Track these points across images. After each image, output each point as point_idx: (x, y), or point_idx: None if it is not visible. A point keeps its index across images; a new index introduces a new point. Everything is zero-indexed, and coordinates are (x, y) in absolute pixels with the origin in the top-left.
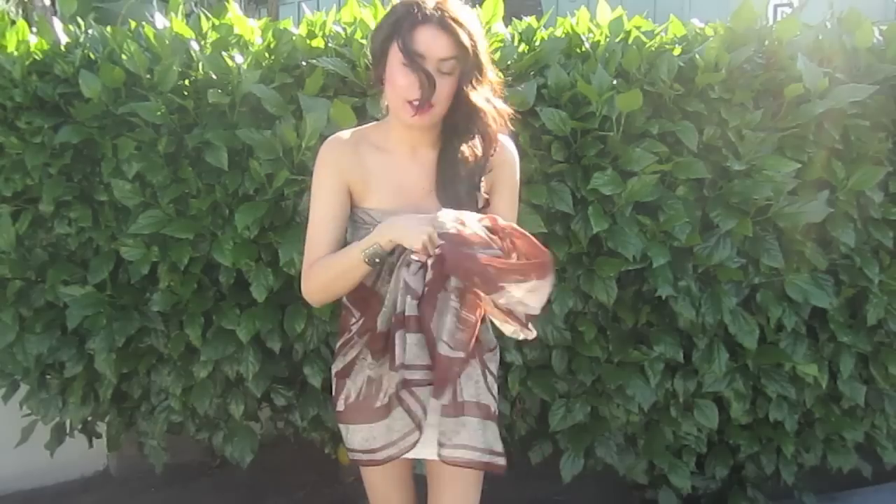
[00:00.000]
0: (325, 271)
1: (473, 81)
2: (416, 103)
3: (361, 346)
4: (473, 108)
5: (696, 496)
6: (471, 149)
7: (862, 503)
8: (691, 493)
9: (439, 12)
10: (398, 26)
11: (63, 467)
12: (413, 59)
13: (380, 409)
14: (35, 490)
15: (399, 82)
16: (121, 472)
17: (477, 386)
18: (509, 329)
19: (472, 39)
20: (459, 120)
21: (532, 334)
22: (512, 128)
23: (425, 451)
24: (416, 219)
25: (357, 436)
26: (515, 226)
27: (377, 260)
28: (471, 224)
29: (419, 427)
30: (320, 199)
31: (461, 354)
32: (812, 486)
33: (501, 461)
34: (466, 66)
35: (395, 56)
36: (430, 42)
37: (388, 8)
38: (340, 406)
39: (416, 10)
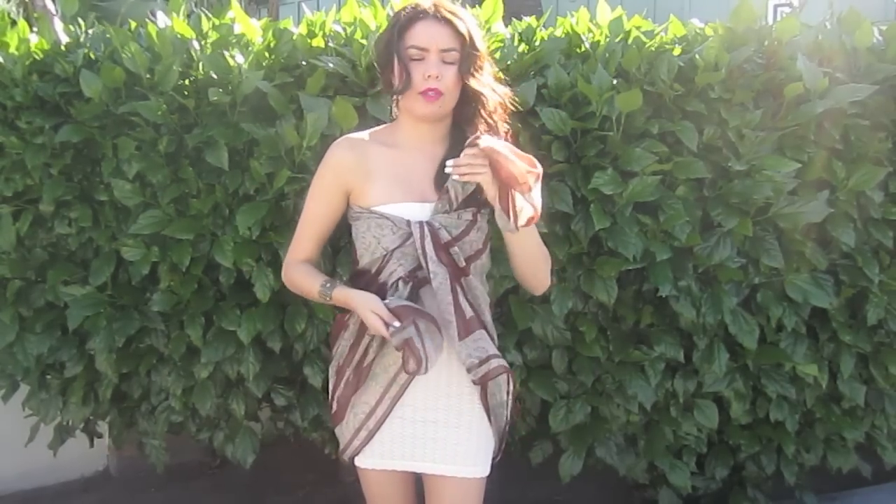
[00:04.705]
0: (297, 281)
1: (473, 69)
2: (430, 93)
3: (354, 339)
4: (475, 95)
5: (696, 496)
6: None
7: (862, 503)
8: (692, 493)
9: (434, 6)
10: (399, 28)
11: (63, 467)
12: (418, 52)
13: (363, 368)
14: (36, 490)
15: (411, 78)
16: (121, 472)
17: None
18: (503, 221)
19: (468, 29)
20: (465, 111)
21: (516, 230)
22: (514, 108)
23: (424, 465)
24: (366, 306)
25: (350, 422)
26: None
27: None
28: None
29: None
30: (314, 198)
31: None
32: (812, 486)
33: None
34: (465, 54)
35: (403, 51)
36: (430, 35)
37: (389, 17)
38: (334, 406)
39: (412, 10)
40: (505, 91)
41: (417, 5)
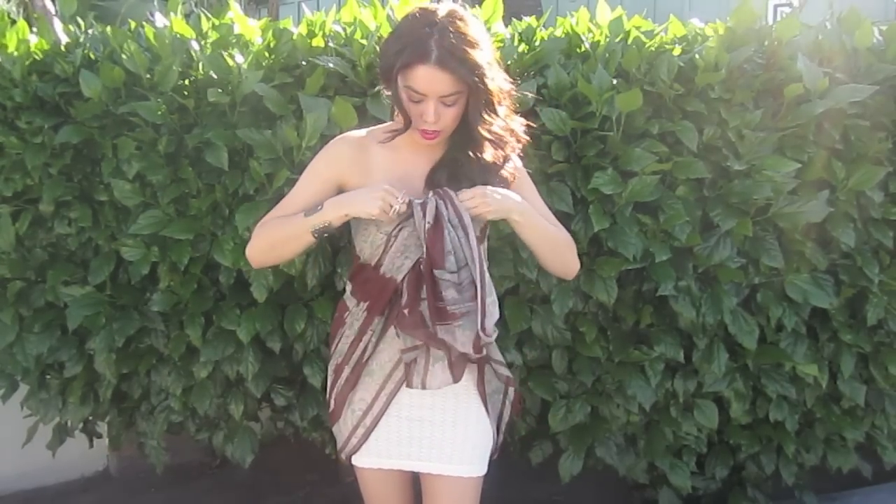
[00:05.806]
0: (273, 231)
1: (483, 113)
2: (428, 132)
3: (355, 336)
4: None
5: (696, 496)
6: (475, 154)
7: (862, 503)
8: (691, 493)
9: (439, 48)
10: (401, 66)
11: (63, 467)
12: (417, 95)
13: (360, 365)
14: (36, 490)
15: (410, 114)
16: (121, 472)
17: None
18: None
19: (475, 71)
20: (465, 133)
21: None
22: (523, 141)
23: (420, 464)
24: (366, 189)
25: (348, 420)
26: None
27: (325, 234)
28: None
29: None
30: (305, 181)
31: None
32: (812, 486)
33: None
34: (473, 96)
35: (402, 89)
36: (429, 83)
37: (397, 26)
38: (332, 404)
39: (418, 41)
40: (520, 122)
41: (425, 40)
